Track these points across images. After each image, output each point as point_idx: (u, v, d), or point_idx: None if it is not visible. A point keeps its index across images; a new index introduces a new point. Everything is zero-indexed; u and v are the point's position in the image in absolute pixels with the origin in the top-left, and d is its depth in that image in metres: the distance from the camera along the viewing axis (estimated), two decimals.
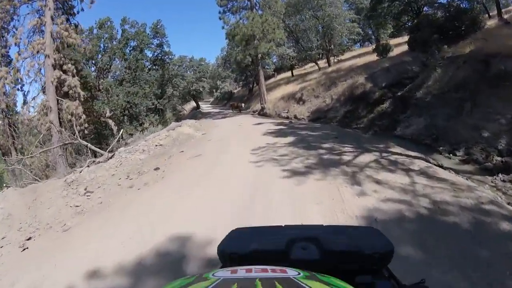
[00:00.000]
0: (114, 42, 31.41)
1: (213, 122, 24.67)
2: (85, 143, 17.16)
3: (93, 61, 30.38)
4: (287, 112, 22.16)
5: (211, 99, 65.54)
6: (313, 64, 35.12)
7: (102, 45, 31.20)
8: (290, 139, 12.09)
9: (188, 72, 38.44)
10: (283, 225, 1.42)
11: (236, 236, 1.38)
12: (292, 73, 36.30)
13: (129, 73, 30.44)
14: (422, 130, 11.55)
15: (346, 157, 8.69)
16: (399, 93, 15.23)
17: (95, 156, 15.99)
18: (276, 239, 1.24)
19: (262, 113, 25.68)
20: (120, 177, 10.48)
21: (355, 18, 30.74)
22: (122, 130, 18.97)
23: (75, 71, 21.25)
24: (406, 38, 22.73)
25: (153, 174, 10.08)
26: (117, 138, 17.94)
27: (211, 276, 0.71)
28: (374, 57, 22.25)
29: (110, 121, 30.32)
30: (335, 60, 30.75)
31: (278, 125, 17.32)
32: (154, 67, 34.01)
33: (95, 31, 30.84)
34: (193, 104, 45.16)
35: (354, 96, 17.43)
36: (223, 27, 25.35)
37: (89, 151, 17.47)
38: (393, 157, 8.42)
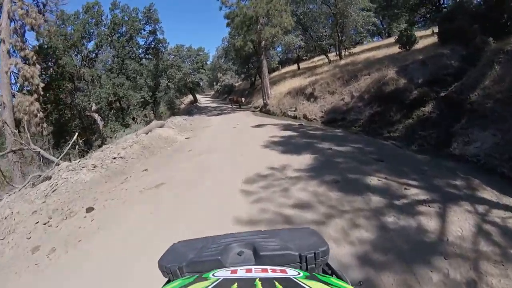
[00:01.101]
0: (103, 28, 27.13)
1: (206, 120, 20.43)
2: (37, 149, 12.85)
3: (77, 49, 25.87)
4: (294, 111, 17.80)
5: (212, 92, 60.93)
6: (322, 57, 31.32)
7: (89, 32, 27.02)
8: (307, 159, 7.70)
9: (186, 62, 33.91)
10: (222, 234, 1.43)
11: (175, 249, 1.36)
12: (298, 66, 31.96)
13: (117, 62, 26.14)
14: (491, 150, 7.30)
15: (429, 223, 4.38)
16: (442, 94, 11.05)
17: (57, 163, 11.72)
18: (212, 248, 1.27)
19: (264, 110, 21.34)
20: (39, 219, 6.30)
21: (370, 6, 26.15)
22: (76, 134, 14.43)
23: (35, 57, 16.73)
24: (423, 32, 20.77)
25: (80, 222, 5.96)
26: (70, 144, 13.46)
27: (211, 276, 0.73)
28: (393, 50, 18.15)
29: (96, 116, 26.35)
30: (346, 53, 26.29)
31: (284, 129, 13.03)
32: (146, 56, 29.64)
33: (81, 16, 26.55)
34: (192, 97, 40.61)
35: (383, 94, 13.05)
36: (220, 8, 20.83)
37: (56, 158, 13.25)
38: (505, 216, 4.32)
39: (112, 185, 7.77)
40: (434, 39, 16.15)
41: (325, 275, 0.82)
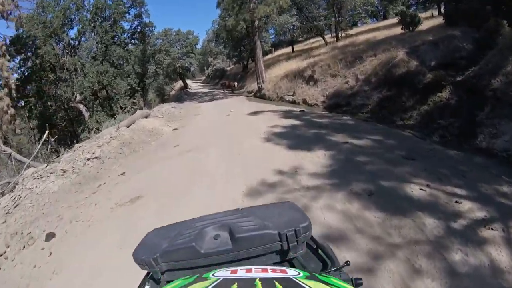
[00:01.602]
0: (85, 14, 25.07)
1: (197, 108, 18.90)
2: (8, 150, 11.25)
3: (58, 37, 23.82)
4: (292, 95, 16.31)
5: (203, 77, 58.79)
6: (317, 39, 29.51)
7: (70, 18, 24.87)
8: (322, 158, 6.30)
9: (175, 47, 31.92)
10: (199, 216, 1.36)
11: (150, 239, 1.28)
12: (292, 48, 30.14)
13: (100, 48, 24.22)
14: None
15: (500, 258, 3.21)
16: (458, 78, 9.80)
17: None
18: (186, 235, 1.19)
19: (259, 95, 19.80)
20: None
21: None
22: (46, 132, 12.83)
23: (4, 48, 14.92)
24: (422, 14, 19.04)
25: (36, 257, 4.70)
26: (41, 143, 11.85)
27: (211, 276, 0.72)
28: (395, 31, 16.75)
29: (81, 106, 24.58)
30: (343, 35, 24.61)
31: (285, 116, 11.60)
32: (132, 42, 27.68)
33: (61, 1, 24.42)
34: (182, 83, 38.69)
35: (393, 77, 11.66)
36: None
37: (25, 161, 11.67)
38: None
39: (82, 196, 6.34)
40: (437, 21, 15.04)
41: (325, 275, 0.81)
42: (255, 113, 13.03)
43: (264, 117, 11.84)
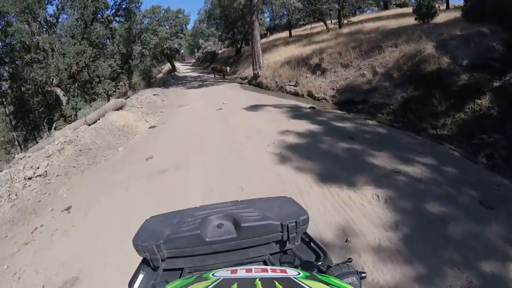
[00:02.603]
0: None
1: (183, 96, 16.53)
2: None
3: (33, 13, 20.79)
4: (294, 85, 14.10)
5: (193, 60, 55.59)
6: (316, 24, 26.97)
7: None
8: (374, 203, 4.20)
9: (163, 26, 29.00)
10: (198, 206, 1.38)
11: (150, 226, 1.28)
12: (290, 33, 27.64)
13: (79, 25, 21.38)
14: None
15: None
16: (496, 83, 8.01)
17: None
18: (189, 223, 1.20)
19: (255, 83, 17.50)
20: None
21: None
22: None
23: None
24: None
25: None
26: None
27: (211, 276, 0.71)
28: (405, 20, 14.93)
29: (58, 90, 21.93)
30: (344, 22, 22.30)
31: (294, 115, 9.38)
32: (116, 19, 24.83)
33: None
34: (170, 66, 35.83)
35: (421, 74, 9.57)
36: None
37: None
38: None
39: (7, 250, 4.09)
40: (451, 14, 13.25)
41: (324, 275, 0.81)
42: (254, 108, 10.82)
43: (267, 115, 9.65)
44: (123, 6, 24.45)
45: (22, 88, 24.08)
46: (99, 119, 9.83)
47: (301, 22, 29.61)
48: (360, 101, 10.65)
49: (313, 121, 8.38)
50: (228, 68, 23.96)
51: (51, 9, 28.79)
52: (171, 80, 26.91)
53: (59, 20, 23.70)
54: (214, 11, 30.06)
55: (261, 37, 33.96)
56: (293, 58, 15.60)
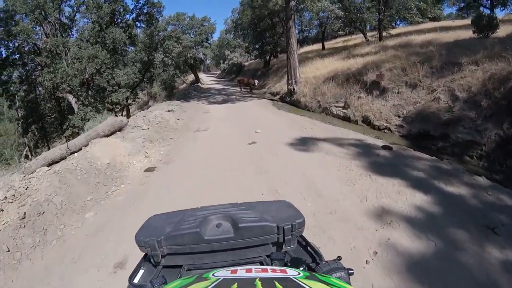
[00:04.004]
0: None
1: (203, 114, 13.11)
2: None
3: (44, 13, 18.01)
4: (343, 107, 10.64)
5: (218, 72, 52.52)
6: (348, 37, 24.21)
7: None
8: None
9: (188, 34, 25.97)
10: (199, 206, 1.39)
11: (152, 223, 1.29)
12: (323, 45, 24.24)
13: (93, 28, 18.52)
14: None
15: None
16: None
17: None
18: (190, 221, 1.21)
19: (290, 100, 14.08)
20: None
21: None
22: None
23: None
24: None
25: None
26: None
27: (211, 276, 0.69)
28: (456, 34, 12.43)
29: (70, 97, 19.10)
30: (384, 34, 18.78)
31: (370, 165, 5.67)
32: (137, 24, 21.95)
33: None
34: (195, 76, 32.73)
35: None
36: None
37: None
38: None
39: None
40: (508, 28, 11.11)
41: (324, 275, 0.80)
42: (302, 143, 7.19)
43: (328, 162, 5.89)
44: (144, 11, 21.59)
45: (33, 93, 21.79)
46: (77, 151, 6.55)
47: (340, 32, 26.18)
48: (439, 136, 7.21)
49: (407, 179, 4.74)
50: (256, 82, 20.58)
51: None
52: (193, 92, 23.74)
53: (77, 22, 21.19)
54: (243, 19, 26.81)
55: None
56: (339, 72, 12.09)
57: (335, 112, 10.85)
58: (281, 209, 1.29)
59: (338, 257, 1.07)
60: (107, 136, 8.23)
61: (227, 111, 13.50)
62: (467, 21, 19.82)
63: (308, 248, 1.27)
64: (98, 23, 18.06)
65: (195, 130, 9.66)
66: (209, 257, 1.18)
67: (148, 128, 8.78)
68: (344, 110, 10.52)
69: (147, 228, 1.23)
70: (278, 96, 16.31)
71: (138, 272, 1.19)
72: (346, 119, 10.16)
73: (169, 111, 11.46)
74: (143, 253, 1.22)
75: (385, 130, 8.71)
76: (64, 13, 20.03)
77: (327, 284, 0.64)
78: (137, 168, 6.13)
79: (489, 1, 23.53)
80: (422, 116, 8.07)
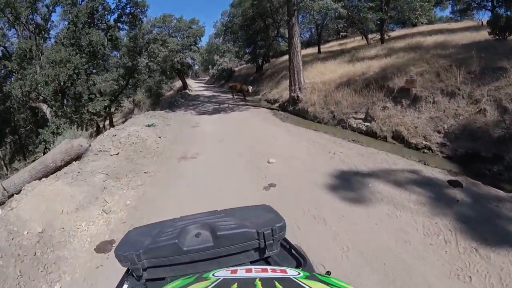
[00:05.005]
0: None
1: (191, 129, 10.79)
2: None
3: (13, 12, 15.36)
4: (365, 120, 8.64)
5: (206, 78, 49.80)
6: (345, 40, 22.86)
7: None
8: None
9: (176, 37, 23.47)
10: (179, 216, 1.34)
11: (131, 236, 1.24)
12: (319, 49, 22.23)
13: (68, 29, 15.98)
14: None
15: None
16: None
17: None
18: (168, 233, 1.16)
19: (294, 110, 11.93)
20: None
21: None
22: None
23: None
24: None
25: None
26: None
27: (211, 276, 0.68)
28: (468, 35, 11.07)
29: (44, 107, 16.55)
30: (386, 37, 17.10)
31: (455, 217, 3.69)
32: (119, 25, 19.40)
33: None
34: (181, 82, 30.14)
35: None
36: None
37: None
38: None
39: None
40: None
41: (324, 275, 0.75)
42: (345, 185, 4.89)
43: (404, 221, 3.74)
44: (127, 11, 19.07)
45: (7, 102, 19.05)
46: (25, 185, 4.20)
47: (336, 35, 24.17)
48: (491, 158, 5.47)
49: None
50: (250, 88, 18.25)
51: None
52: (180, 100, 21.26)
53: (54, 24, 18.56)
54: (234, 20, 24.57)
55: (283, 53, 28.75)
56: (357, 77, 9.92)
57: (354, 125, 8.68)
58: (261, 214, 1.23)
59: (328, 271, 1.02)
60: (60, 168, 5.83)
61: (221, 124, 11.13)
62: (464, 23, 18.55)
63: (293, 251, 1.22)
64: (73, 22, 15.53)
65: (180, 157, 7.12)
66: (191, 267, 1.10)
67: (118, 154, 6.41)
68: (367, 123, 8.36)
69: (126, 242, 1.17)
70: (277, 104, 14.06)
71: (122, 287, 1.13)
72: (370, 134, 8.02)
73: (148, 126, 9.04)
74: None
75: (425, 150, 6.62)
76: (40, 14, 17.42)
77: (327, 284, 0.62)
78: (86, 240, 3.69)
79: (490, 3, 22.22)
80: (468, 132, 6.13)
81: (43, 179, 5.28)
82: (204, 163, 6.69)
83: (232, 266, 0.88)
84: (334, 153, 6.31)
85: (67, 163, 6.01)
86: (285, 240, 1.24)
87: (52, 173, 6.01)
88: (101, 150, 6.43)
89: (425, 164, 5.62)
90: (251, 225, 1.11)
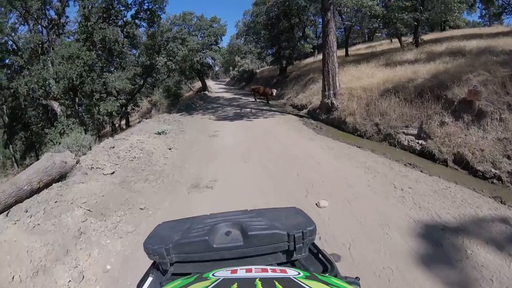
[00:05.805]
0: None
1: (209, 139, 9.08)
2: None
3: (24, 4, 14.25)
4: (419, 137, 6.77)
5: (227, 79, 48.33)
6: (373, 43, 21.19)
7: None
8: None
9: (196, 35, 22.05)
10: (208, 214, 1.29)
11: (161, 231, 1.21)
12: (346, 52, 20.11)
13: (81, 24, 14.79)
14: None
15: None
16: None
17: None
18: (198, 229, 1.13)
19: (328, 118, 10.17)
20: None
21: None
22: None
23: None
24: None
25: None
26: None
27: (211, 276, 0.67)
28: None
29: (55, 105, 15.39)
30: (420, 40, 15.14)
31: None
32: (137, 22, 18.13)
33: None
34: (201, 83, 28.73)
35: None
36: None
37: None
38: None
39: None
40: None
41: (324, 275, 0.75)
42: (436, 257, 3.00)
43: None
44: (145, 7, 17.74)
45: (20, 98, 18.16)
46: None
47: (377, 35, 22.42)
48: None
49: None
50: (274, 91, 16.54)
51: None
52: (198, 101, 19.78)
53: (69, 19, 17.45)
54: (257, 20, 23.01)
55: (307, 55, 27.01)
56: (403, 83, 8.13)
57: (405, 143, 6.91)
58: (291, 216, 1.18)
59: (356, 277, 1.01)
60: (38, 191, 4.37)
61: (244, 134, 9.39)
62: (495, 28, 17.48)
63: (320, 256, 1.16)
64: (85, 16, 14.30)
65: (192, 186, 5.36)
66: (219, 265, 1.00)
67: (113, 173, 4.90)
68: (421, 141, 6.58)
69: (155, 236, 1.15)
70: (305, 111, 12.36)
71: (146, 279, 1.11)
72: (426, 155, 6.24)
73: (159, 133, 7.50)
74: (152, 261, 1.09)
75: (493, 180, 4.93)
76: (54, 8, 16.33)
77: (327, 284, 0.61)
78: None
79: None
80: None
81: None
82: (223, 199, 4.77)
83: (232, 266, 0.79)
84: (401, 189, 4.51)
85: (47, 184, 4.55)
86: (313, 244, 1.16)
87: (27, 197, 4.59)
88: (92, 167, 4.92)
89: (502, 202, 3.92)
90: (281, 226, 1.06)
